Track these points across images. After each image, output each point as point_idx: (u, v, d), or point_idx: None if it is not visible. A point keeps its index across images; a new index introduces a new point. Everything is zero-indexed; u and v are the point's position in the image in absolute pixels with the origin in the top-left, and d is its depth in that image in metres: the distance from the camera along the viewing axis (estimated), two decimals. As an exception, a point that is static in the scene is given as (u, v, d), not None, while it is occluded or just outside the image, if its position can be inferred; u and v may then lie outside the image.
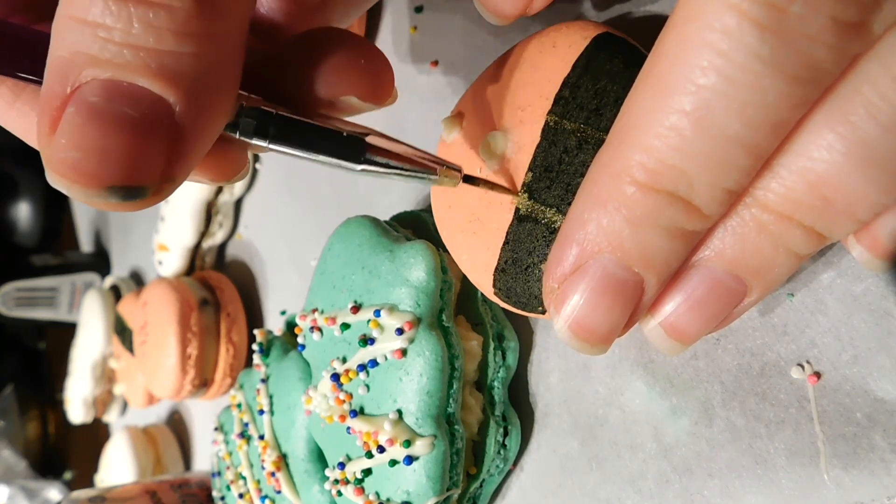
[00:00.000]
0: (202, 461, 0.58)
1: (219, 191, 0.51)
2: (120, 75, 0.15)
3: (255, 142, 0.19)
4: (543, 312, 0.24)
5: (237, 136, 0.19)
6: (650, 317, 0.18)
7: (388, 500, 0.27)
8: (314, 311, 0.31)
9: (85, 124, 0.15)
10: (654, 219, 0.16)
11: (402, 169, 0.21)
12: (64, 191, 0.16)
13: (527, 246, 0.23)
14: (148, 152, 0.16)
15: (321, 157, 0.20)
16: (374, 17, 0.41)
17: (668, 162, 0.15)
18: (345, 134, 0.20)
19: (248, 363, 0.50)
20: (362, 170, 0.20)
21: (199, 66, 0.16)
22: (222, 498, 0.40)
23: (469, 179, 0.23)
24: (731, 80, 0.14)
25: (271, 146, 0.19)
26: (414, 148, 0.21)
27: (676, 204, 0.16)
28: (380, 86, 0.21)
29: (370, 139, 0.20)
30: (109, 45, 0.15)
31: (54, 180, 0.16)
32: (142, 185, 0.16)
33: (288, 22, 0.22)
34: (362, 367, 0.28)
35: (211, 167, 0.20)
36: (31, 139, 0.19)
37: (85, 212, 0.91)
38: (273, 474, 0.34)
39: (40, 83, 0.16)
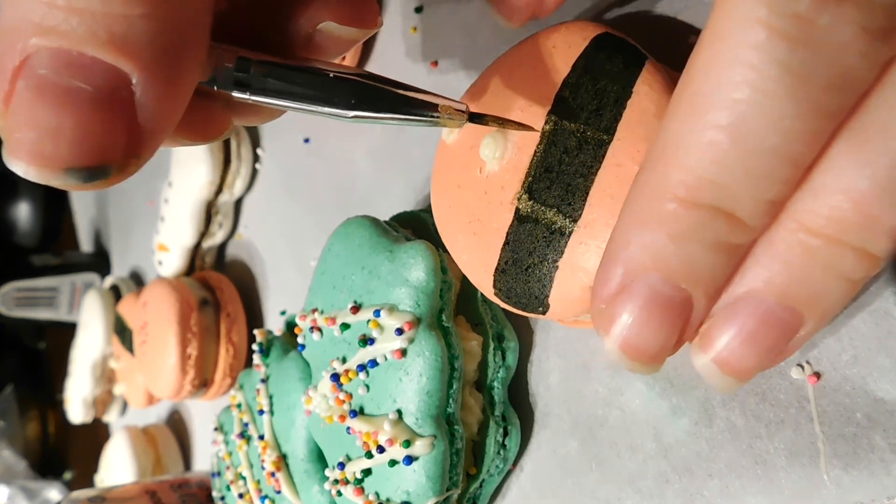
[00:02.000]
0: (202, 461, 0.58)
1: (219, 191, 0.51)
2: (68, 45, 0.14)
3: (235, 94, 0.17)
4: (543, 313, 0.24)
5: (214, 89, 0.17)
6: (702, 352, 0.18)
7: (387, 500, 0.27)
8: (314, 311, 0.31)
9: (36, 101, 0.14)
10: (697, 233, 0.16)
11: (398, 112, 0.19)
12: (21, 173, 0.15)
13: (527, 246, 0.23)
14: (107, 129, 0.15)
15: (308, 106, 0.18)
16: (373, 18, 0.41)
17: (707, 177, 0.15)
18: (331, 75, 0.18)
19: (248, 363, 0.50)
20: (354, 116, 0.18)
21: (154, 28, 0.14)
22: (222, 498, 0.40)
23: (476, 118, 0.21)
24: (766, 92, 0.14)
25: (253, 98, 0.17)
26: (412, 87, 0.19)
27: (719, 217, 0.16)
28: (361, 5, 0.19)
29: (361, 81, 0.18)
30: (54, 11, 0.14)
31: (10, 162, 0.15)
32: (103, 165, 0.15)
33: None
34: (362, 368, 0.28)
35: (191, 128, 0.18)
36: None
37: (85, 212, 0.91)
38: (273, 474, 0.34)
39: None
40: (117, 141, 0.15)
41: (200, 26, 0.16)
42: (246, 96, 0.17)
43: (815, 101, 0.14)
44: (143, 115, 0.15)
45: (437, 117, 0.19)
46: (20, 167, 0.15)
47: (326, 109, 0.18)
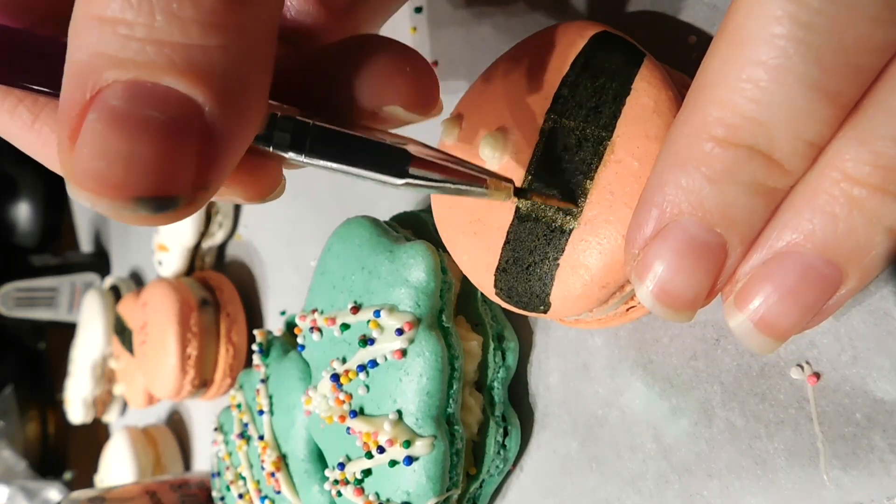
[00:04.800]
0: (202, 461, 0.58)
1: (219, 191, 0.51)
2: (144, 75, 0.14)
3: (290, 155, 0.17)
4: (545, 311, 0.24)
5: (271, 149, 0.17)
6: (737, 311, 0.17)
7: (387, 500, 0.27)
8: (314, 311, 0.31)
9: (108, 131, 0.14)
10: (734, 175, 0.15)
11: (448, 183, 0.19)
12: (88, 205, 0.14)
13: (528, 245, 0.23)
14: (178, 158, 0.14)
15: (361, 171, 0.18)
16: (373, 18, 0.41)
17: (746, 115, 0.15)
18: (388, 143, 0.18)
19: (248, 363, 0.50)
20: (405, 184, 0.18)
21: (229, 60, 0.14)
22: (222, 498, 0.40)
23: (520, 192, 0.22)
24: (807, 25, 0.14)
25: (307, 160, 0.18)
26: (457, 158, 0.20)
27: (757, 158, 0.15)
28: (426, 94, 0.19)
29: (413, 149, 0.18)
30: (131, 43, 0.14)
31: (76, 193, 0.14)
32: (173, 196, 0.15)
33: (317, 25, 0.21)
34: (362, 368, 0.28)
35: (245, 184, 0.18)
36: (51, 163, 0.18)
37: (85, 212, 0.91)
38: (273, 475, 0.34)
39: (58, 96, 0.15)
40: (188, 170, 0.15)
41: (267, 62, 0.16)
42: (301, 158, 0.17)
43: (860, 34, 0.14)
44: (213, 144, 0.15)
45: (484, 190, 0.20)
46: (87, 197, 0.14)
47: (377, 176, 0.18)
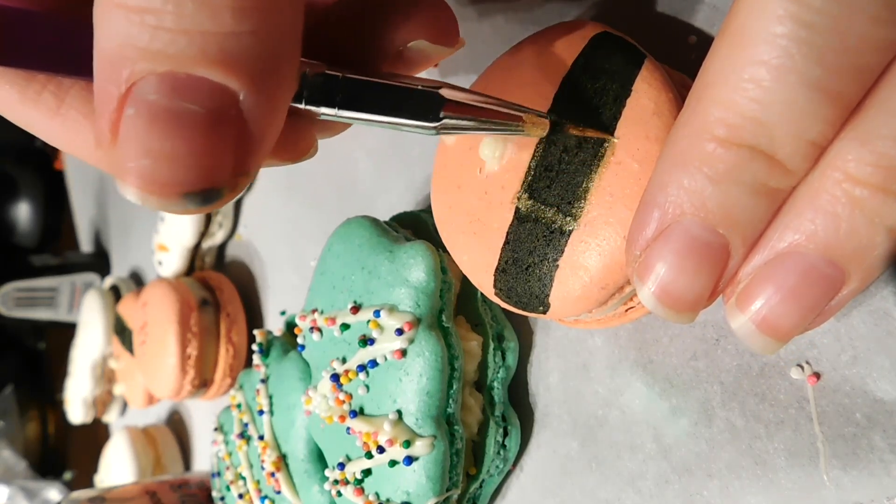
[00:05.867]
0: (202, 461, 0.58)
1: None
2: (178, 67, 0.14)
3: (323, 110, 0.17)
4: (544, 312, 0.24)
5: (303, 106, 0.17)
6: (739, 312, 0.17)
7: (387, 500, 0.27)
8: (314, 311, 0.31)
9: (149, 127, 0.14)
10: (736, 175, 0.15)
11: (483, 123, 0.19)
12: (137, 202, 0.15)
13: (527, 246, 0.23)
14: (219, 149, 0.14)
15: (394, 119, 0.18)
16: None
17: (748, 114, 0.15)
18: (419, 88, 0.18)
19: (248, 363, 0.50)
20: (440, 127, 0.18)
21: (261, 44, 0.14)
22: (222, 498, 0.40)
23: (557, 126, 0.21)
24: (809, 25, 0.14)
25: (340, 113, 0.17)
26: (492, 97, 0.19)
27: (759, 158, 0.15)
28: (447, 25, 0.19)
29: (445, 93, 0.18)
30: (161, 34, 0.13)
31: (127, 192, 0.14)
32: (219, 188, 0.15)
33: None
34: (362, 368, 0.28)
35: (279, 148, 0.18)
36: (79, 152, 0.17)
37: (85, 212, 0.91)
38: (273, 475, 0.34)
39: (83, 77, 0.15)
40: (228, 160, 0.15)
41: (296, 40, 0.15)
42: (333, 112, 0.17)
43: (862, 34, 0.14)
44: (251, 130, 0.15)
45: (521, 127, 0.20)
46: (136, 196, 0.14)
47: (412, 122, 0.18)
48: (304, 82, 0.17)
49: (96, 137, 0.14)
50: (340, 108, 0.17)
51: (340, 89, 0.17)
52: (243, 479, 0.37)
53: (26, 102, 0.17)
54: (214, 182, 0.15)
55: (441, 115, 0.18)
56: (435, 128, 0.18)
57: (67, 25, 0.16)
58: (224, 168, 0.15)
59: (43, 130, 0.17)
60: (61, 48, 0.16)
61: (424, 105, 0.18)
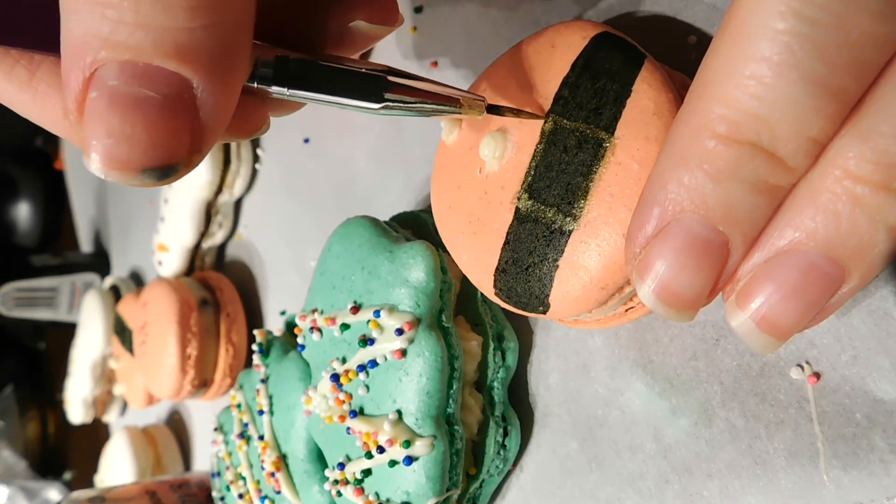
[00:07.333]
0: (202, 461, 0.58)
1: (219, 191, 0.51)
2: (136, 57, 0.15)
3: (274, 89, 0.19)
4: (544, 312, 0.24)
5: (255, 85, 0.18)
6: (739, 310, 0.17)
7: (387, 500, 0.27)
8: (314, 311, 0.31)
9: (108, 110, 0.15)
10: (737, 172, 0.15)
11: (423, 104, 0.20)
12: (101, 176, 0.16)
13: (527, 246, 0.23)
14: (175, 131, 0.16)
15: (341, 100, 0.19)
16: (373, 18, 0.41)
17: (749, 111, 0.15)
18: (364, 71, 0.19)
19: (248, 363, 0.50)
20: (384, 107, 0.19)
21: (213, 37, 0.15)
22: (222, 498, 0.40)
23: (493, 109, 0.22)
24: (810, 21, 0.14)
25: (290, 92, 0.19)
26: (434, 82, 0.21)
27: (760, 156, 0.15)
28: (386, 4, 0.21)
29: (389, 77, 0.20)
30: (121, 27, 0.15)
31: (90, 166, 0.16)
32: (174, 164, 0.16)
33: None
34: (362, 368, 0.28)
35: (234, 125, 0.19)
36: (48, 123, 0.19)
37: (85, 212, 0.91)
38: (273, 475, 0.34)
39: (52, 54, 0.16)
40: (183, 140, 0.16)
41: (248, 30, 0.17)
42: (284, 91, 0.19)
43: (864, 30, 0.14)
44: (204, 115, 0.16)
45: (459, 108, 0.21)
46: (99, 171, 0.16)
47: (356, 103, 0.19)
48: (256, 63, 0.18)
49: (64, 112, 0.16)
50: (291, 87, 0.19)
51: (291, 70, 0.19)
52: (243, 479, 0.37)
53: (0, 76, 0.18)
54: (170, 160, 0.16)
55: (385, 95, 0.19)
56: (379, 108, 0.19)
57: (37, 4, 0.17)
58: (179, 148, 0.16)
59: (15, 102, 0.19)
60: (33, 26, 0.17)
61: (371, 87, 0.19)
